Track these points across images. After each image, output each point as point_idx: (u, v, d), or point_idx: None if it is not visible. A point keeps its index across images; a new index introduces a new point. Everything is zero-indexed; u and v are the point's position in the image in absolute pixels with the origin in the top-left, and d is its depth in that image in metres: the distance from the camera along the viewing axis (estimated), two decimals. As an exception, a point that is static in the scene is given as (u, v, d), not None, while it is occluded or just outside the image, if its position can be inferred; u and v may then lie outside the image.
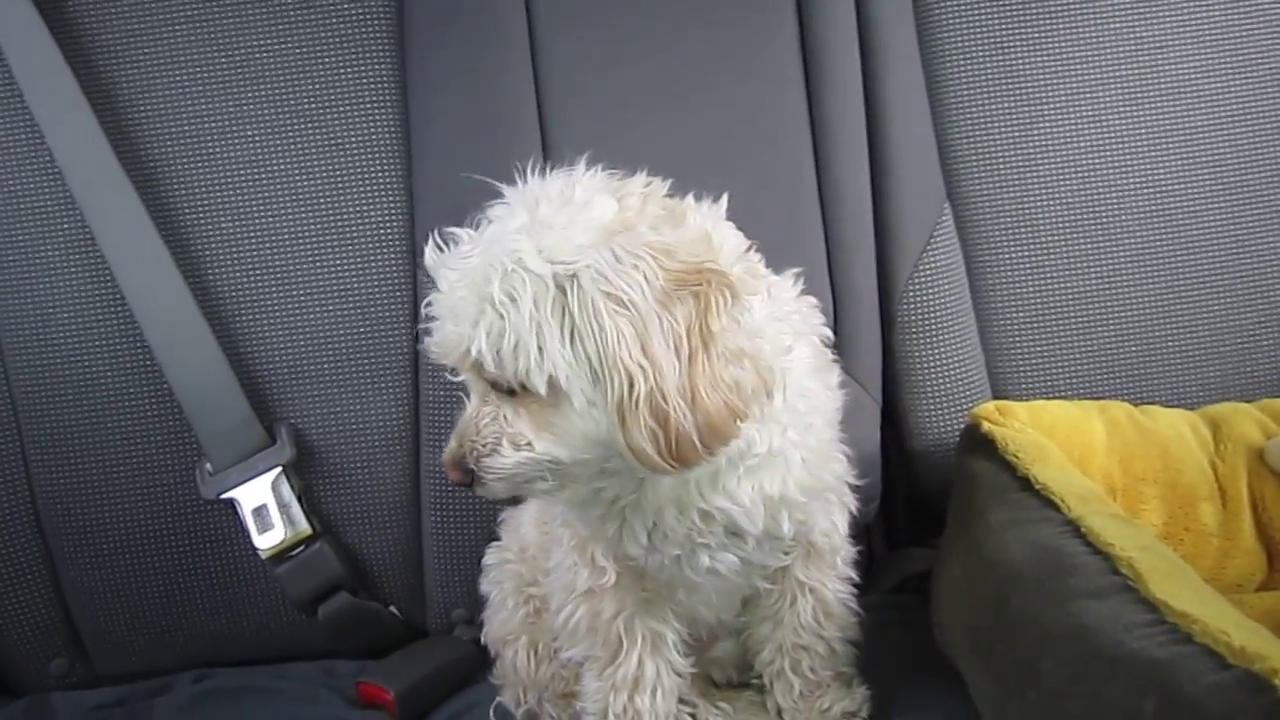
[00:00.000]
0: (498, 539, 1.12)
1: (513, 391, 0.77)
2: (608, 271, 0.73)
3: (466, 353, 0.77)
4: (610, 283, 0.72)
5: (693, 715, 1.02)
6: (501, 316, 0.74)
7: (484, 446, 0.79)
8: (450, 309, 0.78)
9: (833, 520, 0.97)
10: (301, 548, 1.22)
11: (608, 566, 0.92)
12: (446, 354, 0.80)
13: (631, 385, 0.72)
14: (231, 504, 1.21)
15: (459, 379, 0.83)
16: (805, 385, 0.87)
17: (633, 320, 0.72)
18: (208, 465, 1.21)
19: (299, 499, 1.22)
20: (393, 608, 1.28)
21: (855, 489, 1.00)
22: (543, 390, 0.75)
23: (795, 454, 0.87)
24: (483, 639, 1.13)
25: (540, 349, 0.74)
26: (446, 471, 0.82)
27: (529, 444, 0.78)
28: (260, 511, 1.20)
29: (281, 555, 1.21)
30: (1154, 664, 0.68)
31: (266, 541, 1.20)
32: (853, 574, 1.01)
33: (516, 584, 1.08)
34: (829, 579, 0.99)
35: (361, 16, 1.23)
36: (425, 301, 0.82)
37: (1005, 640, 0.84)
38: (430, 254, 0.82)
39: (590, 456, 0.79)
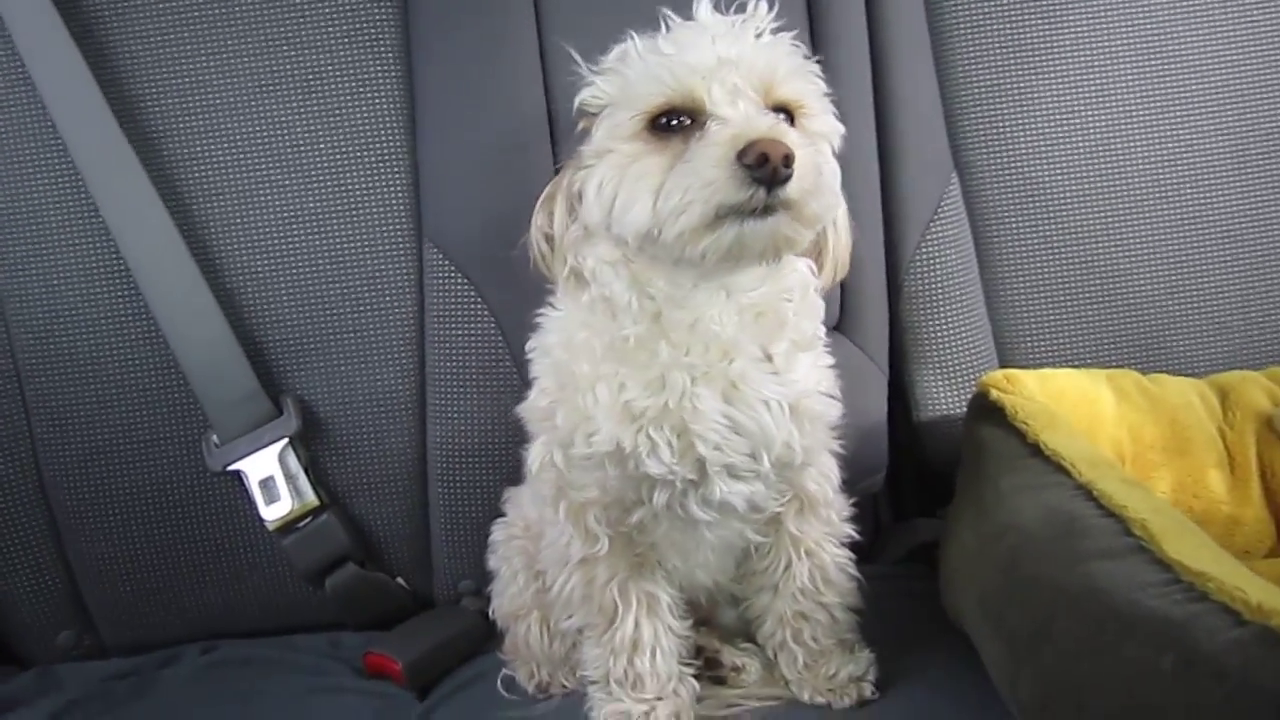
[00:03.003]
0: (503, 515, 1.12)
1: None
2: None
3: None
4: None
5: (714, 658, 1.04)
6: None
7: None
8: None
9: (825, 463, 0.98)
10: (308, 519, 1.22)
11: (600, 532, 0.93)
12: None
13: None
14: (238, 475, 1.21)
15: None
16: (818, 304, 0.94)
17: None
18: (214, 437, 1.21)
19: (305, 470, 1.22)
20: (400, 579, 1.29)
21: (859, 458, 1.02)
22: None
23: (823, 350, 0.94)
24: (491, 614, 1.13)
25: None
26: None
27: None
28: (267, 483, 1.21)
29: (288, 527, 1.22)
30: (1170, 622, 0.67)
31: (273, 513, 1.21)
32: (850, 530, 1.01)
33: (526, 560, 1.08)
34: (825, 540, 0.99)
35: (366, -12, 1.23)
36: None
37: (1017, 603, 0.84)
38: None
39: None
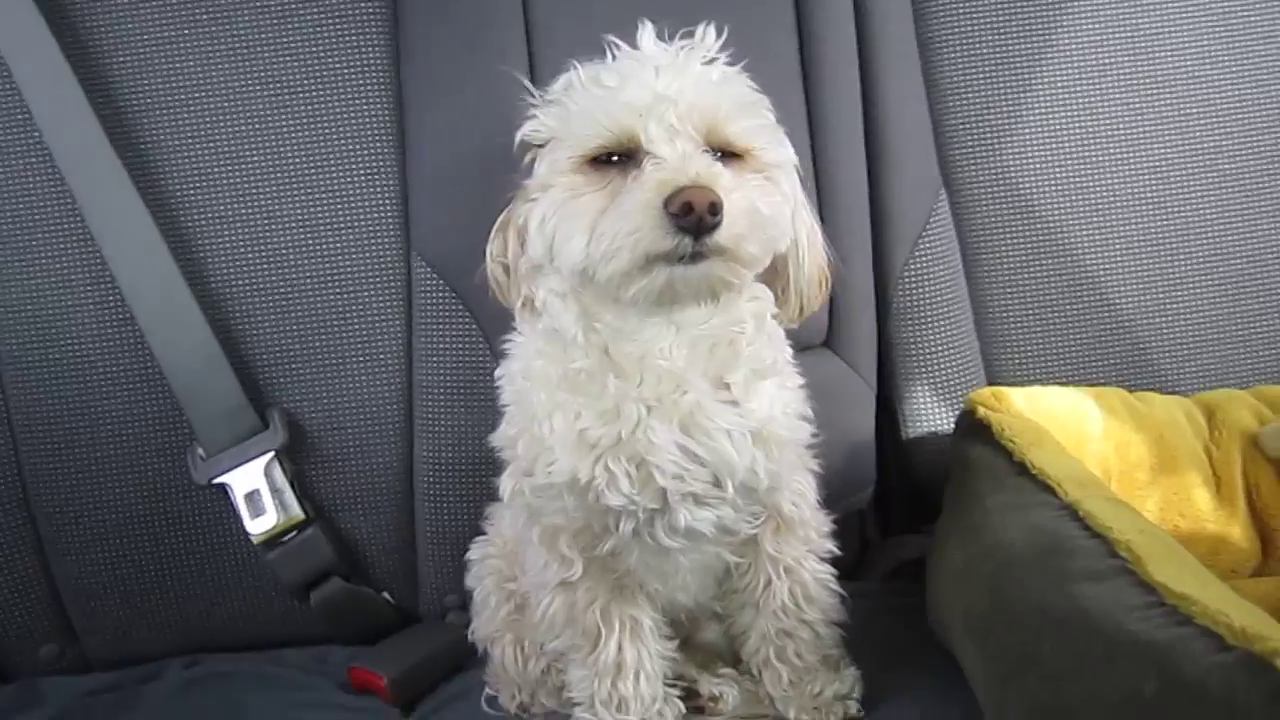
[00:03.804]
0: (483, 534, 1.12)
1: None
2: None
3: None
4: None
5: (691, 688, 1.03)
6: None
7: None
8: None
9: (800, 481, 0.97)
10: (294, 533, 1.21)
11: (574, 558, 0.93)
12: None
13: None
14: (224, 489, 1.20)
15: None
16: (778, 332, 0.94)
17: None
18: (200, 450, 1.21)
19: (291, 484, 1.21)
20: (385, 593, 1.28)
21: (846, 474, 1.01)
22: None
23: (791, 373, 0.93)
24: (470, 636, 1.13)
25: None
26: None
27: None
28: (253, 496, 1.20)
29: (274, 540, 1.21)
30: (1154, 646, 0.67)
31: (259, 527, 1.20)
32: (831, 546, 1.01)
33: (497, 580, 1.07)
34: (805, 558, 0.99)
35: (357, 1, 1.22)
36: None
37: (1003, 623, 0.84)
38: None
39: None
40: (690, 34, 0.86)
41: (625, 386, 0.87)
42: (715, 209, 0.76)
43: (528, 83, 0.89)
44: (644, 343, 0.87)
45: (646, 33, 0.86)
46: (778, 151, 0.87)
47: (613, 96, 0.82)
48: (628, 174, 0.80)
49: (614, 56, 0.86)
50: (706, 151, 0.82)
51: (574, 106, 0.84)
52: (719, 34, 0.86)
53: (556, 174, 0.83)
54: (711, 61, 0.85)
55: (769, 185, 0.85)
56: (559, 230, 0.82)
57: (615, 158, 0.82)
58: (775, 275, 0.91)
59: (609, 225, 0.78)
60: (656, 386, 0.87)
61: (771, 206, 0.83)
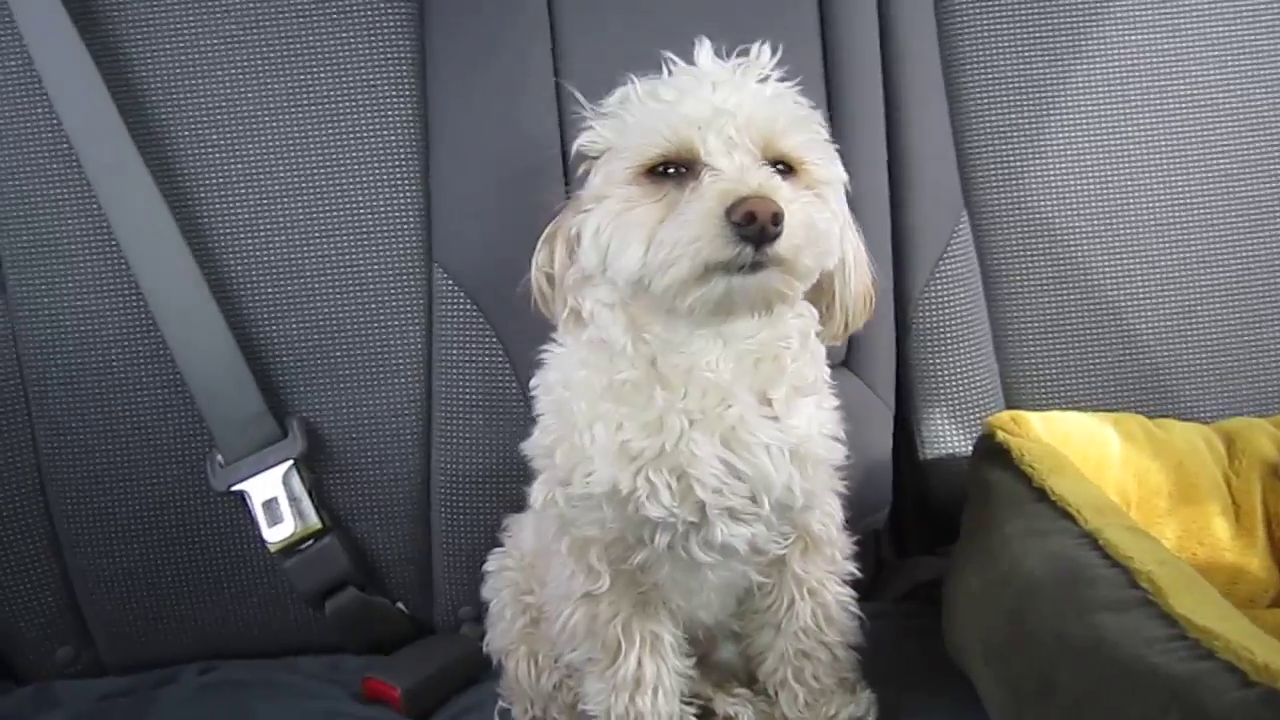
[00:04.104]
0: (500, 545, 1.12)
1: None
2: None
3: None
4: None
5: (706, 706, 1.03)
6: None
7: None
8: None
9: (829, 503, 0.98)
10: (310, 542, 1.22)
11: (602, 570, 0.93)
12: None
13: None
14: (242, 496, 1.21)
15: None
16: (820, 350, 0.94)
17: None
18: (219, 457, 1.21)
19: (309, 493, 1.21)
20: (400, 604, 1.28)
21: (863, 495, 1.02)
22: None
23: (828, 393, 0.94)
24: (484, 648, 1.13)
25: None
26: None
27: None
28: (271, 504, 1.20)
29: (290, 549, 1.21)
30: (1175, 679, 0.67)
31: (276, 535, 1.20)
32: (853, 568, 1.01)
33: (513, 592, 1.08)
34: (827, 579, 0.99)
35: (383, 10, 1.23)
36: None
37: (1021, 651, 0.83)
38: None
39: None
40: (745, 52, 0.87)
41: (670, 398, 0.87)
42: (777, 219, 0.77)
43: (579, 95, 0.89)
44: (691, 355, 0.88)
45: (704, 50, 0.87)
46: (829, 168, 0.88)
47: (671, 109, 0.83)
48: (685, 186, 0.81)
49: (670, 72, 0.87)
50: (764, 165, 0.82)
51: (631, 119, 0.85)
52: (773, 52, 0.87)
53: (612, 185, 0.84)
54: (765, 79, 0.86)
55: (820, 201, 0.86)
56: (615, 239, 0.82)
57: (672, 170, 0.82)
58: (820, 293, 0.91)
59: (669, 234, 0.79)
60: (701, 399, 0.87)
61: (824, 221, 0.84)
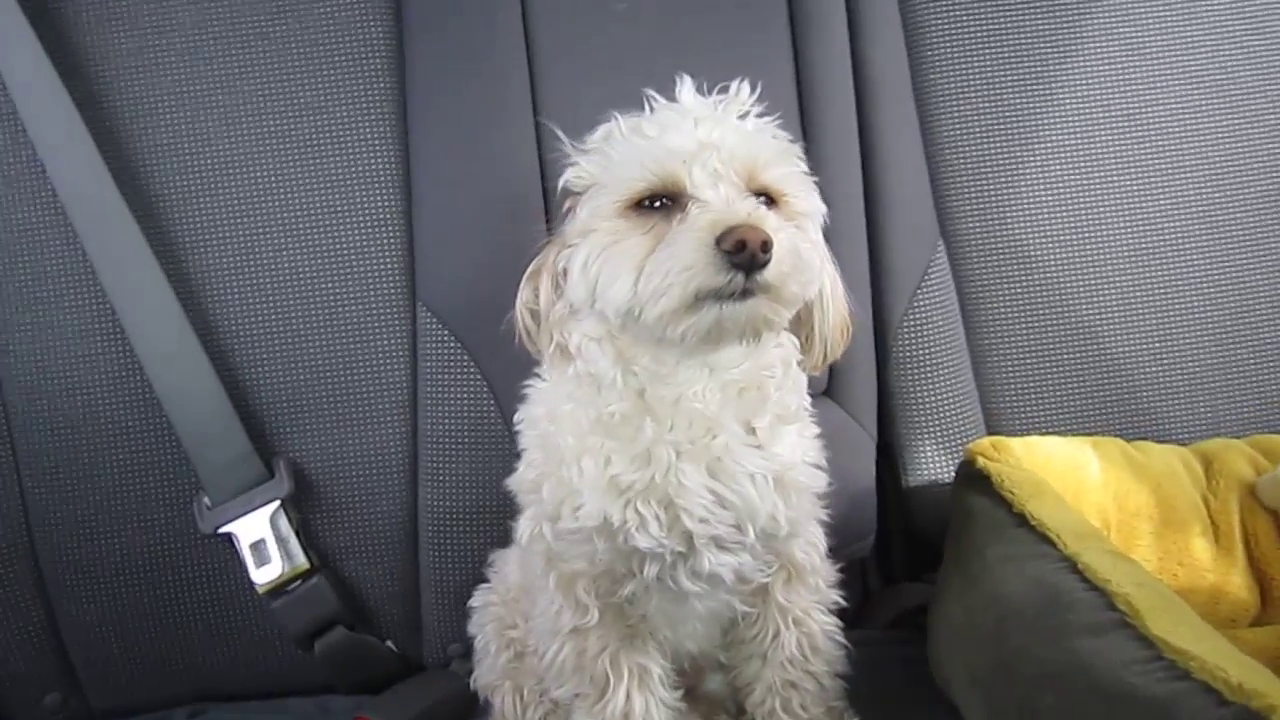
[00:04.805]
0: (486, 581, 1.13)
1: None
2: None
3: None
4: None
5: None
6: None
7: None
8: None
9: (812, 531, 0.99)
10: (299, 582, 1.22)
11: (590, 604, 0.93)
12: None
13: None
14: (229, 538, 1.21)
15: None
16: (801, 379, 0.95)
17: None
18: (206, 499, 1.21)
19: (296, 533, 1.22)
20: (389, 642, 1.28)
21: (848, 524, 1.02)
22: None
23: (809, 421, 0.95)
24: (472, 685, 1.13)
25: None
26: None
27: None
28: (258, 546, 1.20)
29: (279, 590, 1.21)
30: (1153, 701, 0.68)
31: (264, 576, 1.20)
32: (837, 596, 1.02)
33: (497, 628, 1.08)
34: (812, 609, 1.00)
35: (362, 55, 1.25)
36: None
37: (1004, 676, 0.84)
38: None
39: None
40: (725, 89, 0.89)
41: (659, 430, 0.88)
42: (767, 246, 0.78)
43: (560, 133, 0.91)
44: (679, 385, 0.89)
45: (686, 86, 0.88)
46: (808, 200, 0.89)
47: (656, 144, 0.85)
48: (671, 218, 0.82)
49: (652, 109, 0.88)
50: (749, 196, 0.84)
51: (615, 154, 0.87)
52: (752, 89, 0.89)
53: (599, 219, 0.85)
54: (745, 114, 0.88)
55: (800, 232, 0.87)
56: (604, 272, 0.84)
57: (658, 204, 0.84)
58: (800, 323, 0.93)
59: (659, 264, 0.80)
60: (688, 430, 0.89)
61: (807, 251, 0.85)
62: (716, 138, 0.84)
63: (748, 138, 0.86)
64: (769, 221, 0.81)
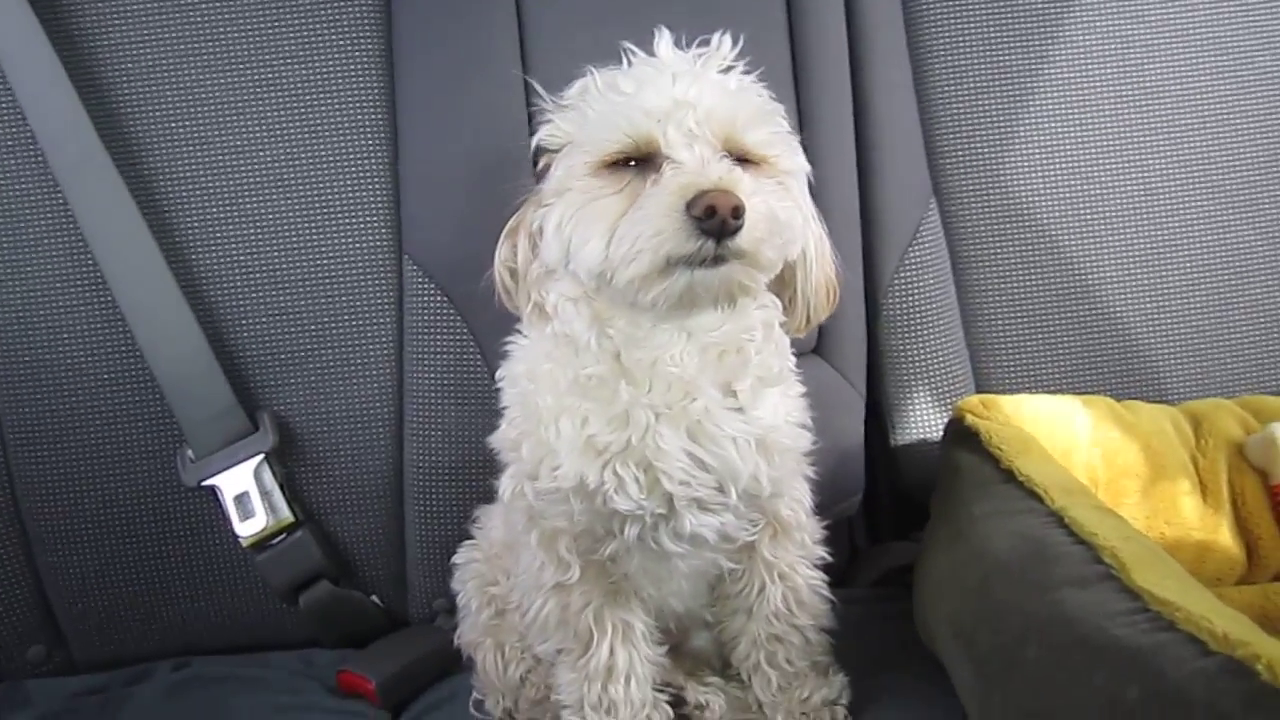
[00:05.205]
0: (471, 537, 1.12)
1: None
2: None
3: None
4: None
5: (678, 696, 1.02)
6: None
7: None
8: None
9: (798, 488, 0.98)
10: (283, 536, 1.21)
11: (572, 561, 0.93)
12: None
13: None
14: (213, 491, 1.20)
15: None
16: (784, 341, 0.94)
17: None
18: (189, 452, 1.21)
19: (281, 487, 1.21)
20: (374, 597, 1.28)
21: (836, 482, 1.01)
22: None
23: (793, 382, 0.94)
24: (456, 640, 1.13)
25: None
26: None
27: None
28: (242, 499, 1.20)
29: (263, 543, 1.21)
30: (1137, 651, 0.68)
31: (248, 529, 1.20)
32: (823, 552, 1.01)
33: (479, 584, 1.08)
34: (798, 563, 0.99)
35: (349, 4, 1.23)
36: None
37: (988, 629, 0.84)
38: None
39: None
40: (706, 42, 0.87)
41: (635, 393, 0.87)
42: (738, 212, 0.76)
43: (540, 88, 0.89)
44: (655, 349, 0.87)
45: (664, 40, 0.86)
46: (791, 160, 0.87)
47: (631, 102, 0.82)
48: (646, 178, 0.80)
49: (630, 63, 0.86)
50: (725, 157, 0.82)
51: (591, 112, 0.85)
52: (734, 43, 0.86)
53: (573, 178, 0.84)
54: (728, 70, 0.86)
55: (782, 191, 0.85)
56: (577, 233, 0.82)
57: (633, 162, 0.82)
58: (783, 284, 0.91)
59: (630, 228, 0.78)
60: (666, 393, 0.87)
61: (786, 212, 0.84)
62: (693, 95, 0.81)
63: (727, 95, 0.84)
64: (743, 185, 0.79)
